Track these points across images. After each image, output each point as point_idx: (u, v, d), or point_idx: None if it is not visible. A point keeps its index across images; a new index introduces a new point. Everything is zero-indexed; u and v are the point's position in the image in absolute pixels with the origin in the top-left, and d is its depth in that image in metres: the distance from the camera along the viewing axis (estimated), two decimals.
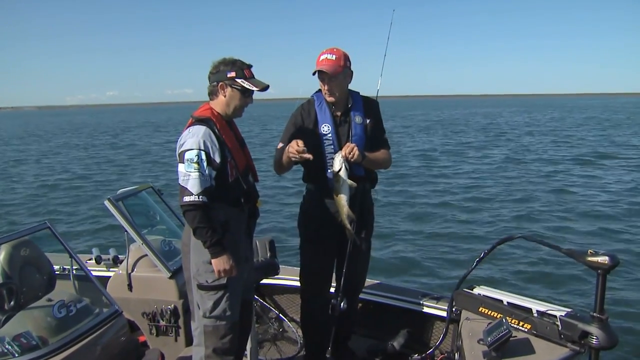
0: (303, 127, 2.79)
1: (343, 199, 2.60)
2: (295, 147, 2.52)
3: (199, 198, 2.15)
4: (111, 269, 3.66)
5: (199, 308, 2.35)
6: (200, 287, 2.33)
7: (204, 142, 2.20)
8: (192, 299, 2.42)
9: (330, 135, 2.76)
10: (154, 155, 22.49)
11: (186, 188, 2.16)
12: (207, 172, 2.18)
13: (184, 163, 2.18)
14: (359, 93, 2.90)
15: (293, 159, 2.56)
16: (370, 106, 2.87)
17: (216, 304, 2.31)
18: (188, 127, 2.30)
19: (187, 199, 2.15)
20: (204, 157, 2.18)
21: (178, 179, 2.23)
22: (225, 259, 2.23)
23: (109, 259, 3.78)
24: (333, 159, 2.64)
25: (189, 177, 2.16)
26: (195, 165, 2.16)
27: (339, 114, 2.81)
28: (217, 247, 2.22)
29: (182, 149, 2.21)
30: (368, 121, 2.81)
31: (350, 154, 2.56)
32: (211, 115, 2.32)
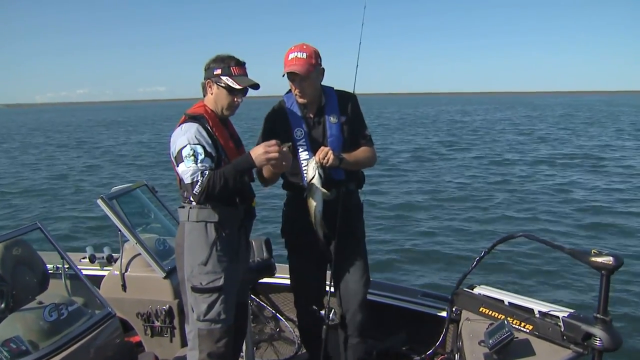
0: (275, 132, 2.57)
1: (316, 209, 2.43)
2: (275, 147, 2.17)
3: (201, 176, 2.10)
4: (105, 268, 3.62)
5: (193, 311, 2.30)
6: (195, 289, 2.27)
7: (196, 137, 2.16)
8: (186, 301, 2.36)
9: (303, 139, 2.57)
10: (131, 154, 22.34)
11: (192, 183, 2.12)
12: (205, 162, 2.13)
13: (183, 161, 2.14)
14: (332, 88, 2.67)
15: (273, 163, 2.21)
16: (346, 102, 2.64)
17: (210, 307, 2.26)
18: (180, 124, 2.25)
19: (196, 189, 2.11)
20: (199, 150, 2.14)
21: (182, 180, 2.18)
22: (257, 152, 2.15)
23: (102, 258, 3.73)
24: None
25: (190, 171, 2.12)
26: (193, 158, 2.12)
27: (311, 115, 2.60)
28: (241, 166, 2.17)
29: (177, 150, 2.16)
30: (344, 119, 2.60)
31: (324, 159, 2.35)
32: (204, 113, 2.27)
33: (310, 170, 2.39)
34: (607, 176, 13.55)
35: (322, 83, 2.62)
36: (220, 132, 2.29)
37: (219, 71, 2.25)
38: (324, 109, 2.60)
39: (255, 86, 2.31)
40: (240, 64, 2.30)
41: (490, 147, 21.42)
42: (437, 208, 10.24)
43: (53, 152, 24.39)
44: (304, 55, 2.46)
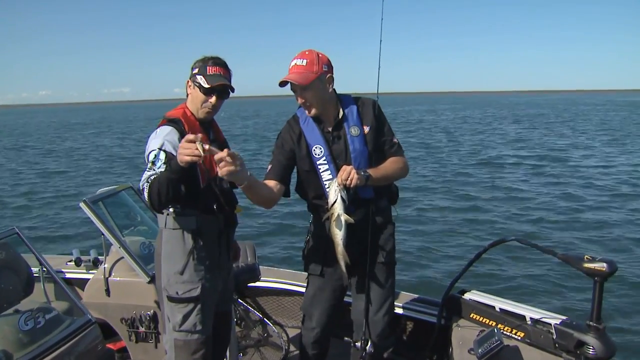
0: (292, 150, 2.38)
1: (338, 237, 2.20)
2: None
3: (147, 183, 1.95)
4: (91, 271, 3.54)
5: (169, 321, 2.22)
6: (170, 299, 2.19)
7: (165, 143, 2.05)
8: (163, 310, 2.29)
9: (324, 158, 2.34)
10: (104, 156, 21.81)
11: (141, 190, 1.99)
12: (161, 169, 1.97)
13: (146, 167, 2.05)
14: (350, 96, 2.45)
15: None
16: (366, 109, 2.40)
17: (186, 317, 2.17)
18: (157, 127, 2.16)
19: (144, 196, 1.97)
20: (161, 156, 2.00)
21: None
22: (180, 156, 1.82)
23: (89, 261, 3.66)
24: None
25: (142, 177, 2.00)
26: (150, 164, 2.00)
27: (329, 129, 2.37)
28: (172, 167, 1.88)
29: (146, 155, 2.07)
30: (367, 129, 2.36)
31: (347, 179, 2.11)
32: (182, 115, 2.17)
33: (332, 194, 2.15)
34: (601, 181, 13.50)
35: (339, 91, 2.41)
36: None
37: (196, 70, 2.16)
38: (342, 121, 2.37)
39: (225, 87, 2.18)
40: (219, 64, 2.17)
41: (474, 148, 21.03)
42: (426, 211, 10.04)
43: (22, 155, 23.86)
44: (304, 63, 2.25)
